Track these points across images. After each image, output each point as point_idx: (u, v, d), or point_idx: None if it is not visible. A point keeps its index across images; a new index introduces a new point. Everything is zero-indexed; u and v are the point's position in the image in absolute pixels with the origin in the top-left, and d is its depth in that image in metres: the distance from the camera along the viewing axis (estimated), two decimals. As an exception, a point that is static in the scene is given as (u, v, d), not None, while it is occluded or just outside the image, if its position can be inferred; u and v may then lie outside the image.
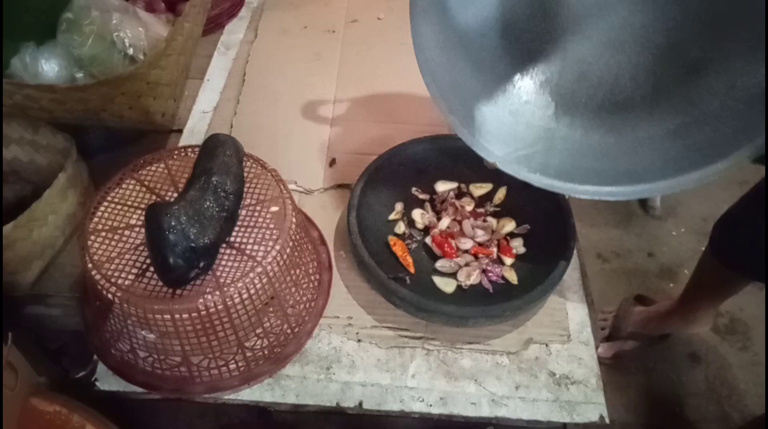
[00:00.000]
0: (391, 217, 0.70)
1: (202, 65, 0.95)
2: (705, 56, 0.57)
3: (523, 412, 0.57)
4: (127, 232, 0.57)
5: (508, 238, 0.68)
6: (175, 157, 0.64)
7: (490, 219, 0.70)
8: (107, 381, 0.59)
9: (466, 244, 0.67)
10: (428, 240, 0.68)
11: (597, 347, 0.62)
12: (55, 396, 0.58)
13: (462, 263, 0.65)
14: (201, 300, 0.50)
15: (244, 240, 0.57)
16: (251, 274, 0.52)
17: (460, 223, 0.69)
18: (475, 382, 0.59)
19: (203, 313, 0.51)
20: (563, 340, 0.62)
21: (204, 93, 0.91)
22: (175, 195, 0.60)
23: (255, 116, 0.87)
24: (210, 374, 0.56)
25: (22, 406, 0.55)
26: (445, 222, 0.69)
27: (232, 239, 0.57)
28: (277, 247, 0.55)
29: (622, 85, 0.62)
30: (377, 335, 0.62)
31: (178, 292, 0.52)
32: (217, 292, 0.51)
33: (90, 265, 0.53)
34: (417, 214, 0.70)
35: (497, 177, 0.64)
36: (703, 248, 0.94)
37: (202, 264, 0.52)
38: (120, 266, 0.54)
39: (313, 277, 0.64)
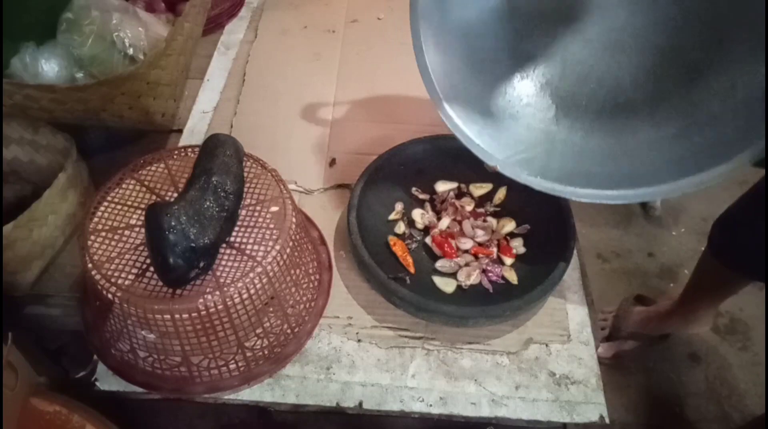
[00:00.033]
0: (391, 217, 0.70)
1: (202, 65, 0.95)
2: (705, 57, 0.57)
3: (523, 412, 0.57)
4: (127, 232, 0.57)
5: (508, 238, 0.68)
6: (175, 157, 0.64)
7: (490, 219, 0.70)
8: (107, 381, 0.59)
9: (466, 244, 0.67)
10: (428, 240, 0.68)
11: (597, 347, 0.62)
12: (55, 396, 0.58)
13: (462, 263, 0.65)
14: (201, 300, 0.50)
15: (244, 240, 0.57)
16: (251, 274, 0.52)
17: (460, 223, 0.69)
18: (475, 382, 0.59)
19: (203, 313, 0.51)
20: (563, 340, 0.62)
21: (204, 93, 0.91)
22: (175, 195, 0.60)
23: (255, 116, 0.87)
24: (210, 374, 0.56)
25: (22, 406, 0.55)
26: (445, 222, 0.69)
27: (232, 239, 0.57)
28: (277, 247, 0.55)
29: (623, 87, 0.62)
30: (377, 335, 0.62)
31: (178, 292, 0.52)
32: (217, 292, 0.51)
33: (90, 265, 0.53)
34: (417, 214, 0.70)
35: (497, 177, 0.64)
36: (703, 248, 0.94)
37: (202, 264, 0.52)
38: (120, 266, 0.54)
39: (313, 277, 0.64)
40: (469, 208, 0.71)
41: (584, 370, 0.60)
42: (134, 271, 0.54)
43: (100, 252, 0.55)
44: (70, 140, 0.68)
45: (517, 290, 0.62)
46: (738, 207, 0.84)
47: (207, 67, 0.95)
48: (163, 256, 0.50)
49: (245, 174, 0.61)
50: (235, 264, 0.55)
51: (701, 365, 1.19)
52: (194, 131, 0.85)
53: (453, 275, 0.65)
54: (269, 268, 0.54)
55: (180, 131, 0.85)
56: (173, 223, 0.50)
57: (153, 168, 0.63)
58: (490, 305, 0.58)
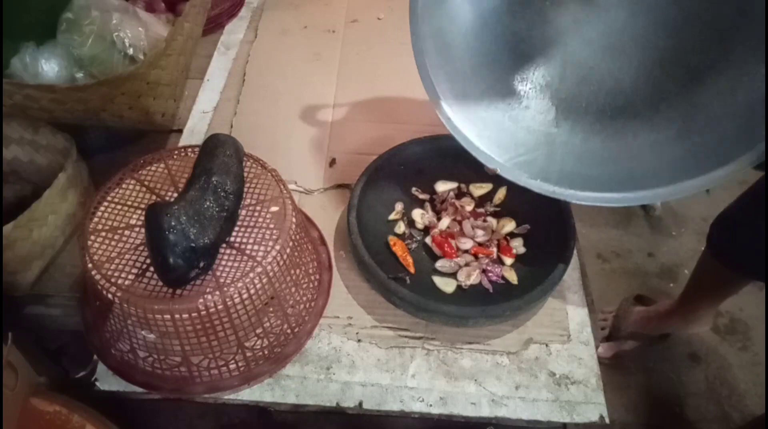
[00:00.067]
0: (391, 217, 0.70)
1: (202, 65, 0.95)
2: (706, 59, 0.57)
3: (523, 412, 0.57)
4: (127, 232, 0.57)
5: (508, 238, 0.68)
6: (175, 157, 0.64)
7: (490, 219, 0.70)
8: (107, 381, 0.59)
9: (466, 244, 0.67)
10: (428, 240, 0.68)
11: (597, 347, 0.62)
12: (55, 396, 0.58)
13: (462, 263, 0.65)
14: (201, 300, 0.50)
15: (244, 240, 0.57)
16: (251, 274, 0.52)
17: (460, 223, 0.69)
18: (475, 382, 0.59)
19: (203, 313, 0.51)
20: (563, 340, 0.62)
21: (204, 93, 0.91)
22: (175, 195, 0.60)
23: (255, 116, 0.87)
24: (210, 374, 0.56)
25: (22, 406, 0.55)
26: (445, 222, 0.69)
27: (232, 239, 0.57)
28: (277, 247, 0.55)
29: (623, 89, 0.62)
30: (377, 335, 0.62)
31: (178, 292, 0.52)
32: (217, 292, 0.51)
33: (90, 265, 0.53)
34: (417, 214, 0.70)
35: (497, 178, 0.64)
36: (703, 248, 0.94)
37: (202, 264, 0.52)
38: (120, 266, 0.54)
39: (313, 277, 0.64)
40: (469, 208, 0.71)
41: (584, 370, 0.60)
42: (134, 271, 0.54)
43: (100, 252, 0.55)
44: (70, 140, 0.68)
45: (517, 290, 0.62)
46: (737, 207, 0.84)
47: (207, 67, 0.95)
48: (163, 256, 0.50)
49: (245, 174, 0.61)
50: (235, 264, 0.55)
51: (701, 365, 1.19)
52: (194, 131, 0.85)
53: (453, 275, 0.65)
54: (269, 268, 0.54)
55: (180, 131, 0.85)
56: (173, 223, 0.50)
57: (153, 168, 0.63)
58: (490, 305, 0.58)
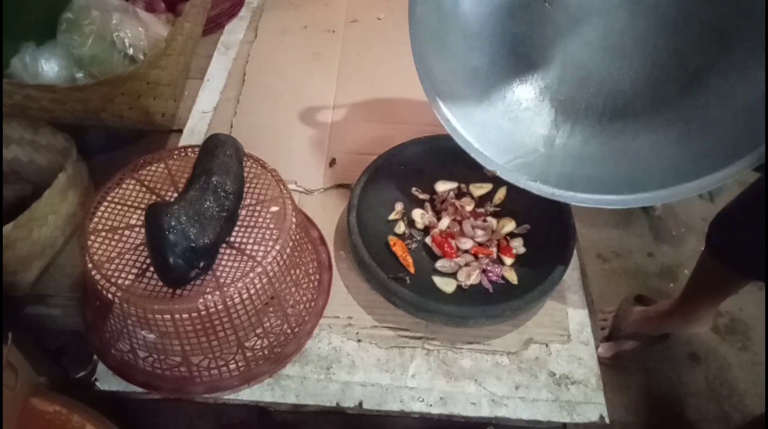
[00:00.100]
0: (391, 217, 0.70)
1: (202, 65, 0.95)
2: (706, 61, 0.57)
3: (523, 412, 0.57)
4: (127, 232, 0.57)
5: (508, 238, 0.68)
6: (175, 157, 0.64)
7: (490, 219, 0.70)
8: (107, 381, 0.59)
9: (466, 244, 0.67)
10: (428, 240, 0.68)
11: (597, 347, 0.62)
12: (55, 396, 0.58)
13: (462, 263, 0.65)
14: (201, 300, 0.50)
15: (244, 240, 0.57)
16: (251, 274, 0.52)
17: (460, 223, 0.69)
18: (475, 382, 0.59)
19: (203, 313, 0.51)
20: (563, 340, 0.62)
21: (204, 93, 0.91)
22: (175, 195, 0.60)
23: (255, 116, 0.87)
24: (210, 374, 0.56)
25: (22, 406, 0.55)
26: (445, 222, 0.69)
27: (232, 239, 0.57)
28: (277, 247, 0.55)
29: (623, 91, 0.62)
30: (377, 335, 0.62)
31: (178, 292, 0.52)
32: (217, 292, 0.51)
33: (90, 265, 0.53)
34: (417, 214, 0.70)
35: (497, 177, 0.64)
36: (703, 248, 0.94)
37: (202, 264, 0.52)
38: (120, 266, 0.54)
39: (313, 277, 0.64)
40: (469, 208, 0.71)
41: (584, 370, 0.60)
42: (134, 271, 0.54)
43: (100, 252, 0.55)
44: (70, 140, 0.68)
45: (517, 290, 0.62)
46: (735, 206, 0.84)
47: (207, 67, 0.95)
48: (163, 256, 0.50)
49: (245, 174, 0.61)
50: (235, 264, 0.55)
51: (701, 365, 1.19)
52: (194, 131, 0.85)
53: (453, 275, 0.65)
54: (269, 268, 0.54)
55: (180, 131, 0.85)
56: (173, 223, 0.50)
57: (153, 168, 0.63)
58: (490, 305, 0.58)
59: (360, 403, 0.57)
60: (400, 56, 0.97)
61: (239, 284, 0.52)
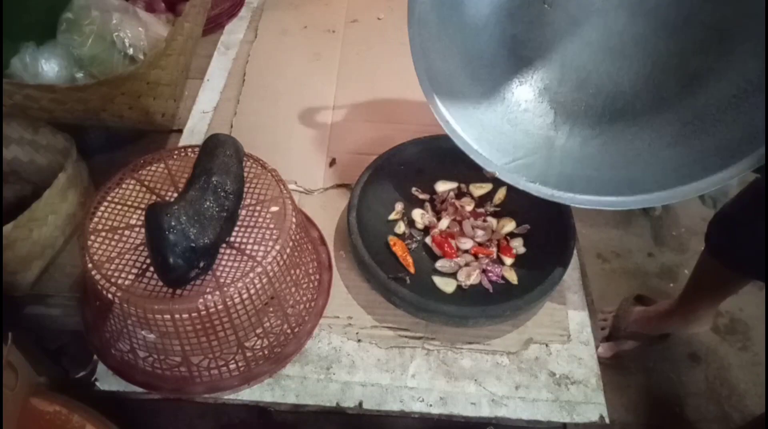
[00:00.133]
0: (391, 217, 0.70)
1: (202, 65, 0.95)
2: (705, 63, 0.57)
3: (523, 412, 0.57)
4: (127, 232, 0.57)
5: (508, 238, 0.68)
6: (175, 157, 0.64)
7: (490, 219, 0.70)
8: (107, 381, 0.59)
9: (466, 244, 0.67)
10: (428, 240, 0.68)
11: (597, 347, 0.62)
12: (55, 396, 0.58)
13: (462, 263, 0.65)
14: (201, 300, 0.50)
15: (244, 240, 0.57)
16: (251, 274, 0.52)
17: (460, 223, 0.69)
18: (475, 382, 0.59)
19: (203, 313, 0.51)
20: (563, 340, 0.62)
21: (204, 93, 0.91)
22: (175, 195, 0.60)
23: (255, 116, 0.87)
24: (210, 374, 0.56)
25: (22, 406, 0.55)
26: (445, 222, 0.69)
27: (232, 239, 0.57)
28: (277, 247, 0.55)
29: (622, 92, 0.62)
30: (377, 335, 0.62)
31: (178, 292, 0.52)
32: (217, 292, 0.51)
33: (90, 265, 0.53)
34: (417, 214, 0.70)
35: (497, 178, 0.64)
36: (703, 248, 0.94)
37: (202, 264, 0.52)
38: (120, 266, 0.54)
39: (313, 277, 0.64)
40: (469, 208, 0.71)
41: (584, 370, 0.60)
42: (134, 271, 0.54)
43: (100, 252, 0.55)
44: (70, 140, 0.68)
45: (517, 290, 0.62)
46: (735, 206, 0.84)
47: (207, 67, 0.95)
48: (163, 256, 0.50)
49: (245, 174, 0.61)
50: (235, 264, 0.55)
51: (701, 365, 1.19)
52: (194, 131, 0.85)
53: (453, 275, 0.65)
54: (269, 268, 0.54)
55: (180, 131, 0.85)
56: (173, 223, 0.50)
57: (153, 168, 0.63)
58: (490, 305, 0.58)
59: (360, 403, 0.57)
60: (400, 56, 0.96)
61: (239, 284, 0.52)
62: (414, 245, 0.68)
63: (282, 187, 0.61)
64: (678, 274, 1.35)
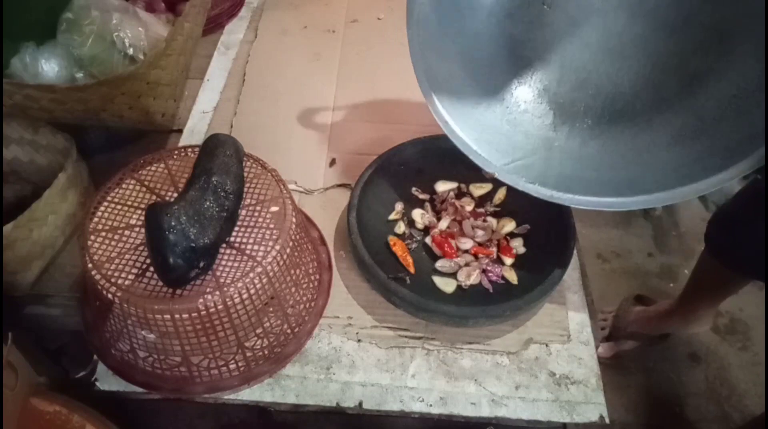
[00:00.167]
0: (391, 217, 0.70)
1: (202, 65, 0.95)
2: (705, 62, 0.57)
3: (523, 412, 0.57)
4: (127, 232, 0.57)
5: (508, 238, 0.68)
6: (175, 157, 0.64)
7: (490, 219, 0.70)
8: (107, 381, 0.59)
9: (466, 244, 0.67)
10: (428, 240, 0.68)
11: (597, 347, 0.62)
12: (55, 396, 0.58)
13: (462, 263, 0.65)
14: (201, 300, 0.50)
15: (244, 240, 0.57)
16: (251, 274, 0.52)
17: (460, 223, 0.69)
18: (475, 382, 0.59)
19: (203, 313, 0.51)
20: (563, 340, 0.62)
21: (204, 93, 0.91)
22: (175, 195, 0.60)
23: (255, 116, 0.87)
24: (210, 374, 0.56)
25: (22, 406, 0.55)
26: (445, 222, 0.69)
27: (232, 239, 0.57)
28: (277, 247, 0.55)
29: (622, 93, 0.62)
30: (377, 335, 0.62)
31: (178, 292, 0.52)
32: (217, 292, 0.51)
33: (90, 265, 0.53)
34: (417, 214, 0.70)
35: (496, 178, 0.64)
36: (703, 248, 0.94)
37: (202, 264, 0.52)
38: (120, 266, 0.54)
39: (313, 277, 0.64)
40: (469, 208, 0.71)
41: (584, 370, 0.60)
42: (134, 271, 0.54)
43: (100, 252, 0.55)
44: (70, 140, 0.68)
45: (517, 290, 0.62)
46: (734, 205, 0.84)
47: (207, 67, 0.95)
48: (163, 256, 0.50)
49: (245, 174, 0.61)
50: (235, 264, 0.55)
51: (701, 365, 1.19)
52: (194, 131, 0.85)
53: (453, 275, 0.65)
54: (269, 268, 0.54)
55: (180, 131, 0.85)
56: (173, 223, 0.50)
57: (153, 168, 0.63)
58: (490, 305, 0.58)
59: (360, 403, 0.57)
60: (400, 56, 0.96)
61: (239, 284, 0.52)
62: (414, 245, 0.68)
63: (282, 187, 0.61)
64: (678, 274, 1.35)
